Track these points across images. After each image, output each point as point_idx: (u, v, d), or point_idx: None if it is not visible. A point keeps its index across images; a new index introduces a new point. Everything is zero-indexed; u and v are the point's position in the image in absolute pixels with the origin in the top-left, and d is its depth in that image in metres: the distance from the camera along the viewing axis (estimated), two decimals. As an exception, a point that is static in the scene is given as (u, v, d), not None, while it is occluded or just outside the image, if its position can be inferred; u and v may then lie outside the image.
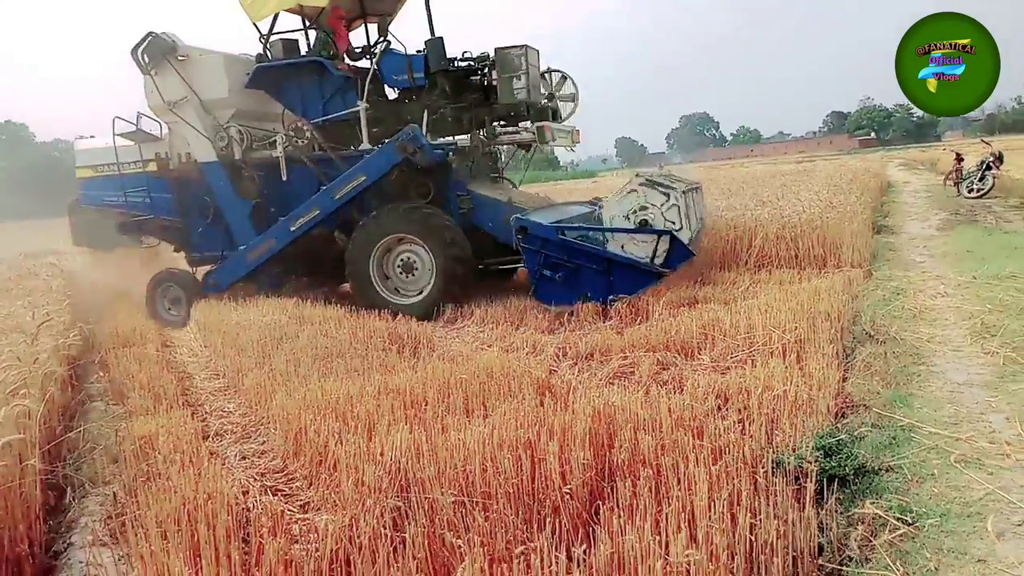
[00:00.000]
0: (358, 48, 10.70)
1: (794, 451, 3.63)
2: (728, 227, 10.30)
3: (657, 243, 7.95)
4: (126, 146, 10.62)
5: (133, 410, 5.82)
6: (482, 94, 9.93)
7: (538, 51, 9.74)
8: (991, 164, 15.64)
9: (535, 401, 4.81)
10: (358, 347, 6.91)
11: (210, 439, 5.33)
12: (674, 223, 8.22)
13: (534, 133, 9.70)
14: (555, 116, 10.23)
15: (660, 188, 8.31)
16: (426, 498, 3.45)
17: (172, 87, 9.99)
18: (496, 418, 4.36)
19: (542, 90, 10.15)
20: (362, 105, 9.76)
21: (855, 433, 3.95)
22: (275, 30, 10.26)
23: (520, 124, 10.03)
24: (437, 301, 9.01)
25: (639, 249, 8.04)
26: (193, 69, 10.00)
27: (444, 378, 5.42)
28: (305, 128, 9.83)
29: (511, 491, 3.43)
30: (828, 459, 3.51)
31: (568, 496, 3.38)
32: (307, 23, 10.44)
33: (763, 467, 3.46)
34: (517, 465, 3.61)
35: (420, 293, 9.34)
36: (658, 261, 7.98)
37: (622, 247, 8.17)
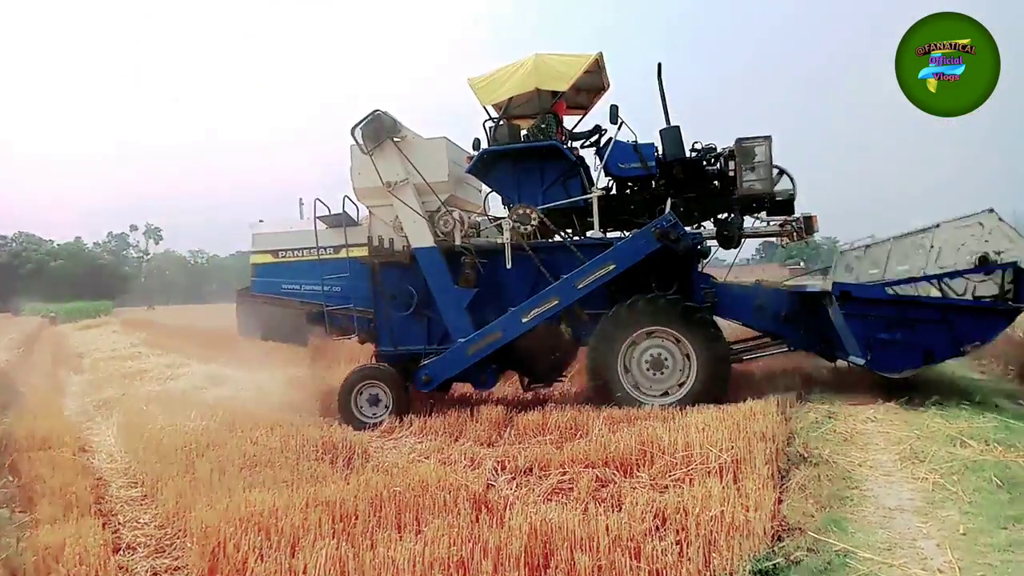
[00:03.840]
0: (579, 136, 10.23)
1: (732, 575, 3.57)
2: None
3: (1003, 278, 7.38)
4: (323, 231, 9.93)
5: (40, 518, 5.45)
6: (714, 184, 9.54)
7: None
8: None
9: (471, 516, 4.68)
10: (289, 456, 6.66)
11: (121, 552, 4.99)
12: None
13: (800, 224, 9.22)
14: (791, 207, 9.51)
15: (1007, 228, 7.57)
16: (349, 621, 3.25)
17: (391, 168, 9.43)
18: (429, 534, 4.21)
19: None
20: (596, 192, 9.42)
21: (791, 557, 3.92)
22: (497, 116, 9.82)
23: (764, 215, 9.54)
24: (698, 401, 8.27)
25: (982, 289, 7.48)
26: (413, 150, 9.47)
27: (377, 490, 5.24)
28: (532, 215, 9.25)
29: (440, 614, 3.27)
30: (765, 583, 3.45)
31: (500, 620, 3.23)
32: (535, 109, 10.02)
33: (700, 591, 3.39)
34: (448, 585, 3.46)
35: (671, 391, 8.68)
36: (1007, 298, 7.34)
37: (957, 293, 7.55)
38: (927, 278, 7.76)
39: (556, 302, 8.92)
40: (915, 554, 3.98)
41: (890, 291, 7.71)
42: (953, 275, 7.59)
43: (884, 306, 7.63)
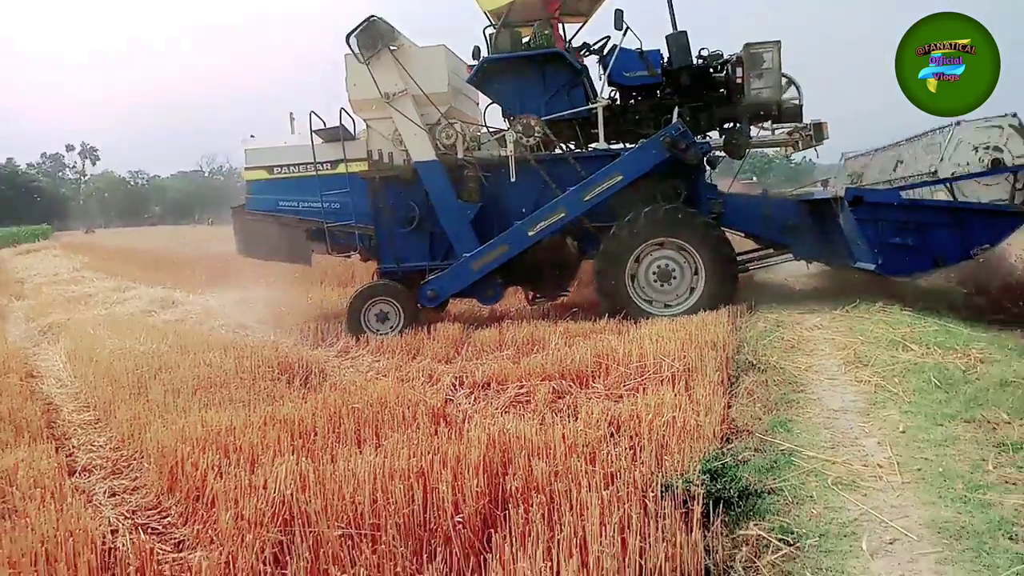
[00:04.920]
0: (578, 44, 9.87)
1: (682, 475, 3.71)
2: None
3: (1015, 181, 7.33)
4: (319, 145, 9.49)
5: (-11, 443, 5.33)
6: (721, 92, 9.35)
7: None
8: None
9: (430, 430, 4.73)
10: (244, 377, 6.61)
11: (77, 475, 4.94)
12: None
13: (810, 132, 9.09)
14: (799, 115, 9.31)
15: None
16: (311, 532, 3.29)
17: (389, 78, 8.99)
18: (389, 447, 4.26)
19: None
20: (602, 101, 9.18)
21: (739, 457, 4.08)
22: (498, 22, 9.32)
23: (769, 124, 9.43)
24: (707, 308, 8.26)
25: (992, 192, 7.47)
26: (411, 59, 9.06)
27: (336, 407, 5.25)
28: (536, 126, 9.00)
29: (401, 522, 3.33)
30: (714, 482, 3.59)
31: (460, 525, 3.31)
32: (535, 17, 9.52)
33: (653, 491, 3.51)
34: (409, 495, 3.52)
35: (679, 302, 8.68)
36: (1019, 200, 7.33)
37: (965, 195, 7.57)
38: (938, 181, 7.81)
39: (563, 214, 8.84)
40: (857, 452, 4.16)
41: (904, 195, 7.72)
42: (964, 178, 7.63)
43: (896, 210, 7.62)
